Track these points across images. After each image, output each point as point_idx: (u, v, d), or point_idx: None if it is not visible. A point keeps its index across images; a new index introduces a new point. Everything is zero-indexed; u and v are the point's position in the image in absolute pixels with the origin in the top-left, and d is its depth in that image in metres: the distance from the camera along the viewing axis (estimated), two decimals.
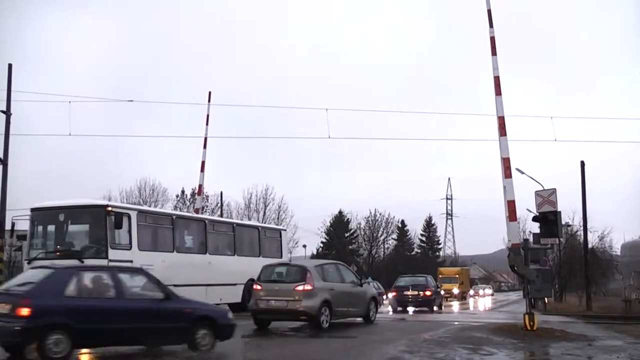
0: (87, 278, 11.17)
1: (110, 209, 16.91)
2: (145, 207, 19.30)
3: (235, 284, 21.88)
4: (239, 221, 26.37)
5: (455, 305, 43.07)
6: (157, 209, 20.36)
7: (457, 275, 59.37)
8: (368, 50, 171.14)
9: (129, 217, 17.50)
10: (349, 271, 19.71)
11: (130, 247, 17.44)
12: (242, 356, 12.61)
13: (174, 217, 20.75)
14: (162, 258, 18.29)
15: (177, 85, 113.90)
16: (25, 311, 10.03)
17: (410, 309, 29.87)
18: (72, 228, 17.55)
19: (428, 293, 30.40)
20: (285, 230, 28.53)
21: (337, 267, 19.29)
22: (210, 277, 20.39)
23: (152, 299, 11.52)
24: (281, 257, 24.75)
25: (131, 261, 16.79)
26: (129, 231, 17.46)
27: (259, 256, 23.28)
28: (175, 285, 17.68)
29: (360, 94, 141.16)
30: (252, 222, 31.46)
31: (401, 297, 30.16)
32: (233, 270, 21.80)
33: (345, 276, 18.80)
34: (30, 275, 11.71)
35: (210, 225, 21.94)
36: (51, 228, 17.68)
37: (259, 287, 17.05)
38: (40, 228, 17.80)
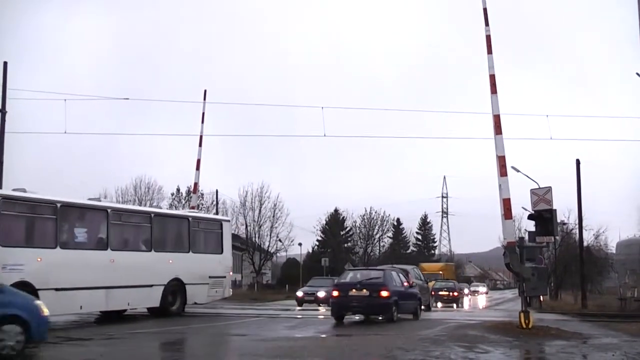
0: (395, 273, 20.37)
1: None
2: (15, 193, 15.23)
3: (151, 285, 18.71)
4: (159, 210, 21.65)
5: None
6: (35, 195, 16.08)
7: (440, 272, 54.02)
8: (365, 49, 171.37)
9: None
10: (421, 272, 28.75)
11: None
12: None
13: (59, 205, 16.36)
14: (39, 255, 15.39)
15: (175, 83, 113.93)
16: (385, 294, 18.44)
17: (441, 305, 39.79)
18: None
19: (455, 294, 43.65)
20: (228, 221, 24.23)
21: (417, 270, 28.18)
22: (112, 278, 17.22)
23: (405, 286, 20.00)
24: (222, 252, 21.81)
25: None
26: None
27: (189, 251, 20.36)
28: (57, 289, 15.40)
29: (357, 92, 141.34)
30: (180, 212, 25.57)
31: (437, 296, 40.53)
32: (148, 268, 18.65)
33: (420, 276, 27.88)
34: (361, 273, 20.87)
35: (115, 216, 18.05)
36: None
37: None
38: None
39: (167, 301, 19.29)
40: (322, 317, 22.88)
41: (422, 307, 23.22)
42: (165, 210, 20.99)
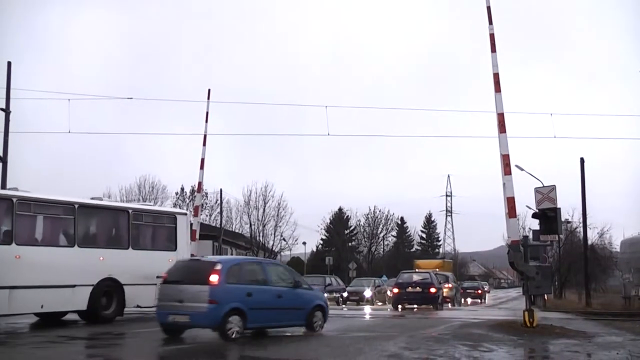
0: (434, 275, 29.50)
1: None
2: None
3: (74, 286, 16.23)
4: (86, 201, 18.16)
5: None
6: None
7: (437, 270, 46.54)
8: (369, 48, 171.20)
9: None
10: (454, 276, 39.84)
11: None
12: None
13: None
14: None
15: (181, 82, 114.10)
16: (433, 290, 27.65)
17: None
18: None
19: (480, 292, 53.81)
20: (184, 214, 21.18)
21: (452, 275, 38.51)
22: (18, 277, 15.05)
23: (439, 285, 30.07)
24: (175, 248, 19.46)
25: None
26: None
27: (128, 248, 18.08)
28: None
29: (361, 91, 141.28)
30: (118, 204, 21.24)
31: (466, 293, 49.02)
32: (69, 266, 16.31)
33: (455, 279, 35.69)
34: (409, 275, 29.76)
35: (23, 206, 15.91)
36: None
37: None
38: None
39: (98, 304, 16.77)
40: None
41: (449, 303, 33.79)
42: (96, 201, 18.28)
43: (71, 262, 16.38)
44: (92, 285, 16.70)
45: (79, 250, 16.67)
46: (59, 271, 16.01)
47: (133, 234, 18.37)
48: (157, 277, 17.62)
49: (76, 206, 17.00)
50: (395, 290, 28.23)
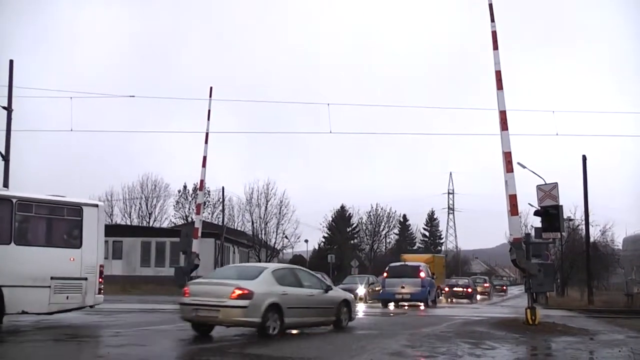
0: (470, 280, 49.99)
1: None
2: None
3: None
4: None
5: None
6: None
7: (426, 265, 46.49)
8: (371, 46, 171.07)
9: None
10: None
11: None
12: None
13: None
14: None
15: (184, 80, 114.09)
16: (470, 290, 45.04)
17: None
18: None
19: (504, 287, 71.19)
20: (94, 206, 17.47)
21: (488, 278, 61.81)
22: None
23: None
24: (80, 245, 16.40)
25: None
26: None
27: (10, 243, 15.00)
28: None
29: (363, 89, 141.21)
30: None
31: (494, 289, 61.18)
32: None
33: (491, 282, 61.73)
34: (461, 279, 49.82)
35: None
36: None
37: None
38: None
39: None
40: None
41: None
42: None
43: None
44: None
45: None
46: None
47: (17, 227, 15.44)
48: (53, 278, 15.53)
49: None
50: (447, 289, 43.29)
